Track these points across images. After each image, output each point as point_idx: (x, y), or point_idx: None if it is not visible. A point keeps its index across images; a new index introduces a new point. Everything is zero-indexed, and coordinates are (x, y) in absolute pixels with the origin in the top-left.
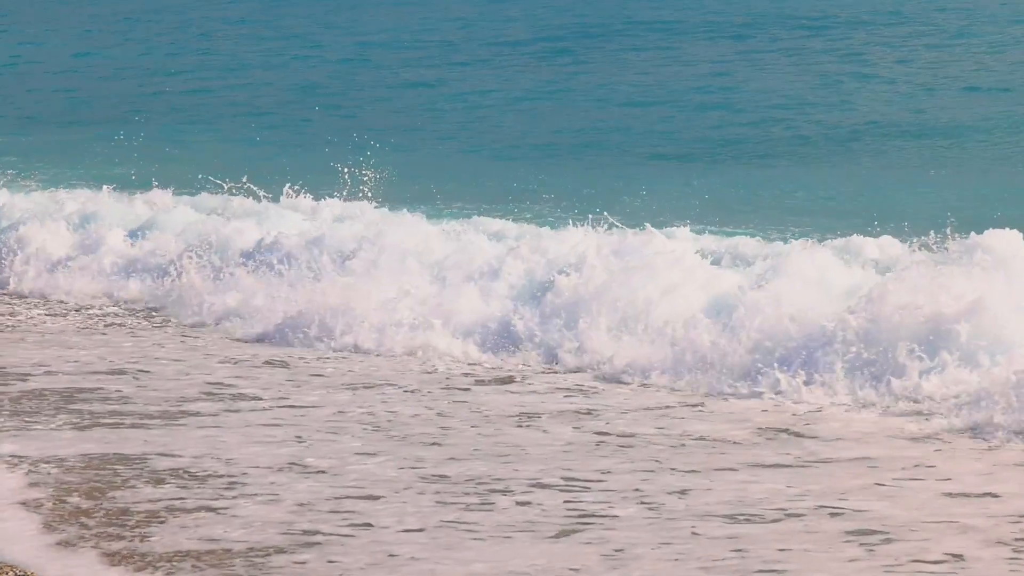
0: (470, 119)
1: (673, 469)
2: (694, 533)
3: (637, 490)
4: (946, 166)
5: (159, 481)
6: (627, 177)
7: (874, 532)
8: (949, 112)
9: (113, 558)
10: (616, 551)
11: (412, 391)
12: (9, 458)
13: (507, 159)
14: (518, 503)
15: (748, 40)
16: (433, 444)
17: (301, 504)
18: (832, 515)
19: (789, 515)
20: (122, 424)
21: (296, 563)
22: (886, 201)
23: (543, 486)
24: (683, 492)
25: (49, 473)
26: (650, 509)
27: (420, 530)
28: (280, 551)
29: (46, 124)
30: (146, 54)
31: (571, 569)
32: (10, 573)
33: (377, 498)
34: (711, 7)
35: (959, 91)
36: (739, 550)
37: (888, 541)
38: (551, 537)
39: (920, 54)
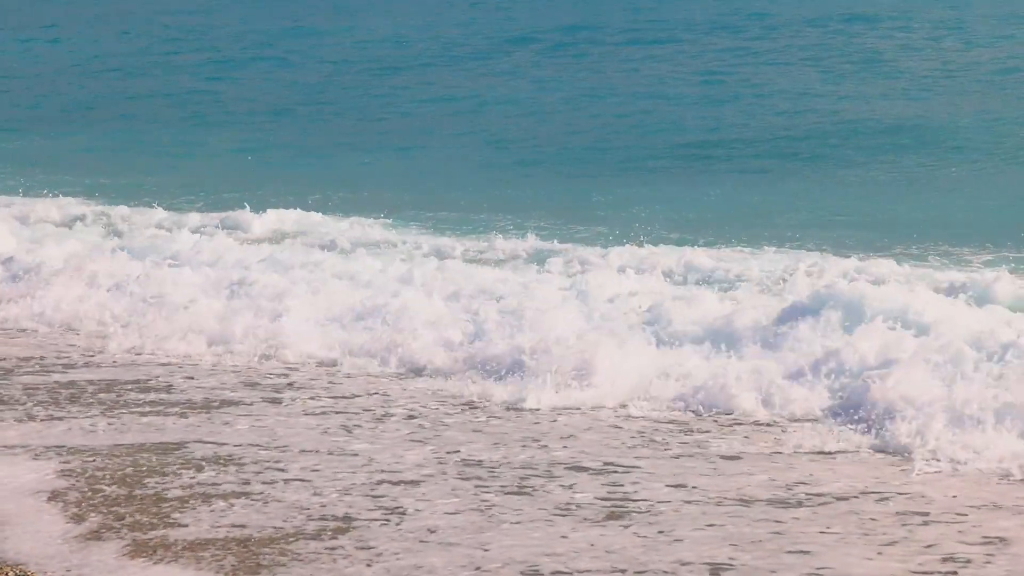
0: (457, 123)
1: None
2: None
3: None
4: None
5: (197, 468)
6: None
7: None
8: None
9: (136, 549)
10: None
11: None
12: (42, 448)
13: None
14: (560, 488)
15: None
16: (473, 431)
17: (337, 490)
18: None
19: None
20: (163, 413)
21: (327, 549)
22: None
23: (582, 468)
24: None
25: (82, 462)
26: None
27: (455, 513)
28: (313, 537)
29: None
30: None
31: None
32: (10, 573)
33: (415, 483)
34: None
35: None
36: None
37: None
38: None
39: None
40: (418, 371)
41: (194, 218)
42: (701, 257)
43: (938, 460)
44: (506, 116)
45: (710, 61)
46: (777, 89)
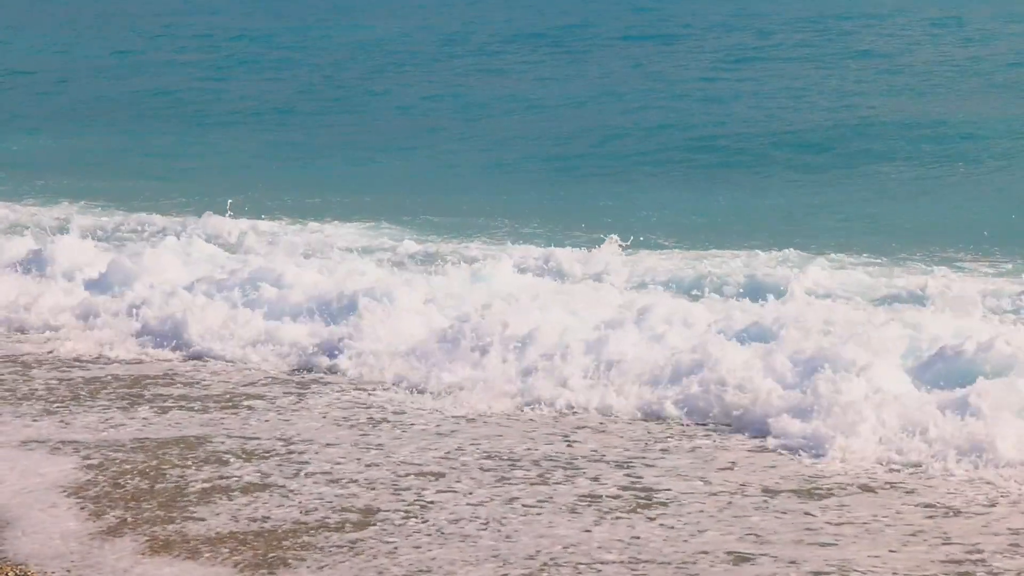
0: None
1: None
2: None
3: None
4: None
5: (221, 462)
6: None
7: None
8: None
9: (154, 544)
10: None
11: None
12: (67, 443)
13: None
14: (587, 480)
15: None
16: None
17: (361, 483)
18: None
19: None
20: (189, 408)
21: (349, 542)
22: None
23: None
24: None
25: (104, 457)
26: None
27: (481, 504)
28: (335, 529)
29: None
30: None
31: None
32: (11, 573)
33: (439, 475)
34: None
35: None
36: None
37: None
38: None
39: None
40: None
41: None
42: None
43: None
44: (509, 116)
45: (713, 60)
46: (783, 87)
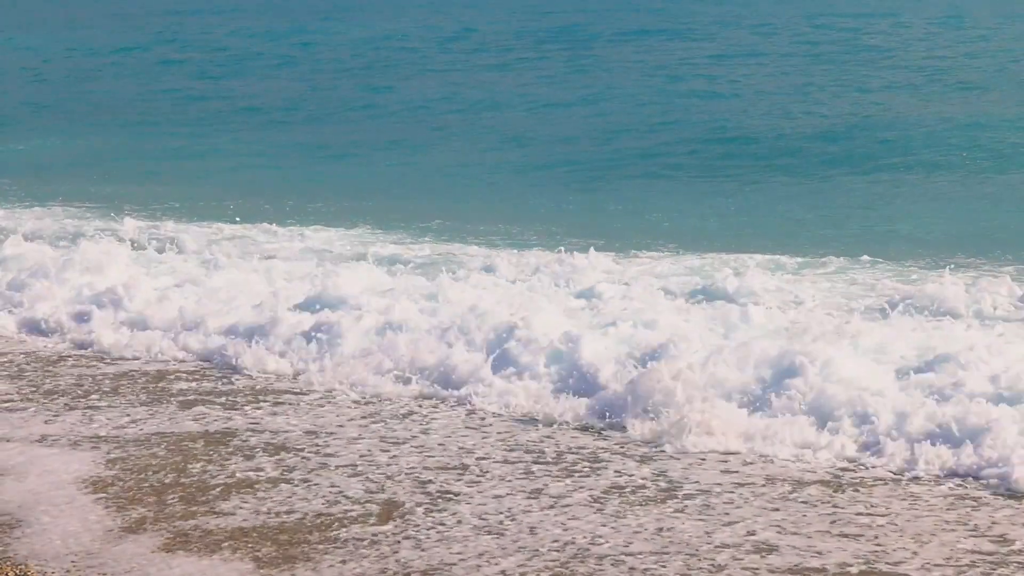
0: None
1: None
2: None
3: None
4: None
5: (246, 456)
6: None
7: None
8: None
9: (174, 541)
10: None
11: None
12: (94, 438)
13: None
14: (614, 472)
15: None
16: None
17: (387, 475)
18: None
19: None
20: (217, 403)
21: (373, 535)
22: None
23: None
24: None
25: (129, 452)
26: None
27: (506, 495)
28: (356, 521)
29: None
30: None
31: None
32: (11, 573)
33: (465, 468)
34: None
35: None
36: None
37: None
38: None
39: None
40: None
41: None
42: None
43: None
44: (516, 117)
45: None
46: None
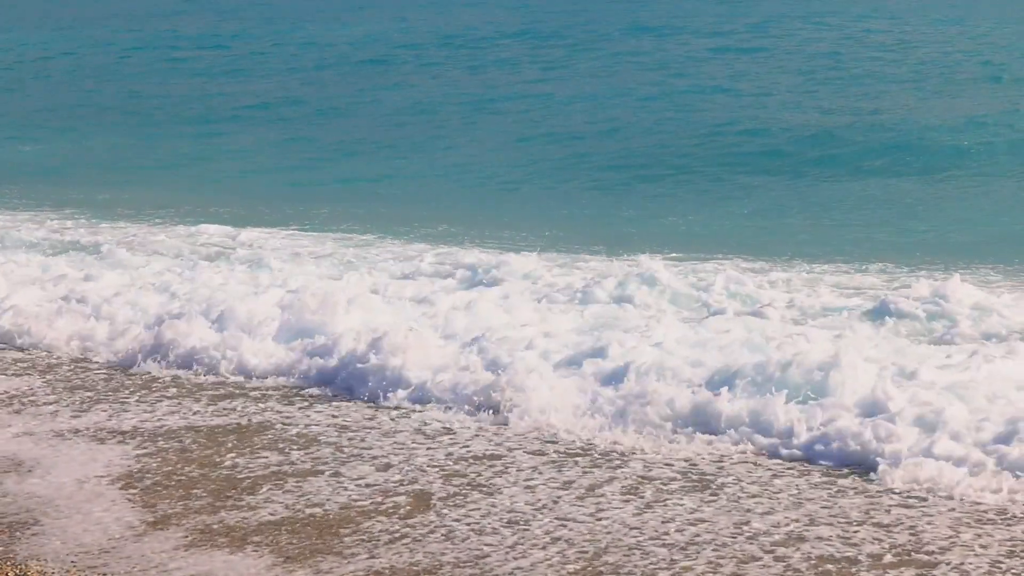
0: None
1: None
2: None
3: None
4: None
5: (276, 450)
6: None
7: None
8: None
9: (198, 536)
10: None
11: None
12: (122, 432)
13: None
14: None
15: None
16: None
17: (417, 467)
18: None
19: None
20: (248, 396)
21: (403, 527)
22: None
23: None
24: None
25: (159, 446)
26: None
27: (539, 486)
28: (386, 513)
29: None
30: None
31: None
32: (11, 573)
33: (496, 458)
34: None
35: None
36: None
37: None
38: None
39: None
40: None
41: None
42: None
43: None
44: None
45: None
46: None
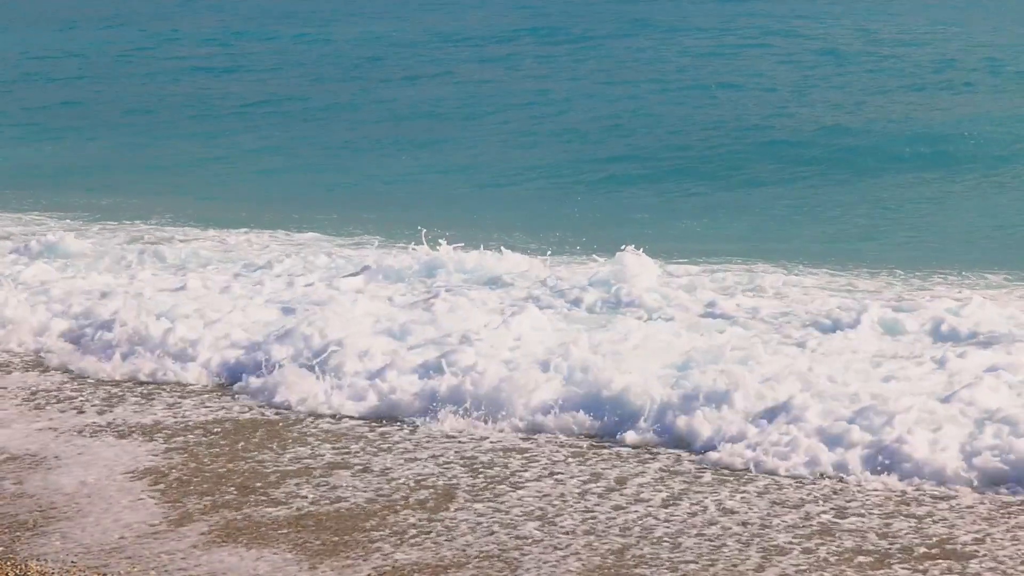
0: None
1: None
2: None
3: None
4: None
5: (302, 443)
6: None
7: None
8: None
9: (219, 533)
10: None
11: None
12: (150, 425)
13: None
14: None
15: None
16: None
17: (440, 460)
18: None
19: None
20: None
21: (430, 520)
22: None
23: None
24: None
25: (187, 440)
26: None
27: (568, 479)
28: (412, 507)
29: None
30: None
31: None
32: (11, 573)
33: (524, 451)
34: None
35: None
36: None
37: None
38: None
39: None
40: None
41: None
42: None
43: None
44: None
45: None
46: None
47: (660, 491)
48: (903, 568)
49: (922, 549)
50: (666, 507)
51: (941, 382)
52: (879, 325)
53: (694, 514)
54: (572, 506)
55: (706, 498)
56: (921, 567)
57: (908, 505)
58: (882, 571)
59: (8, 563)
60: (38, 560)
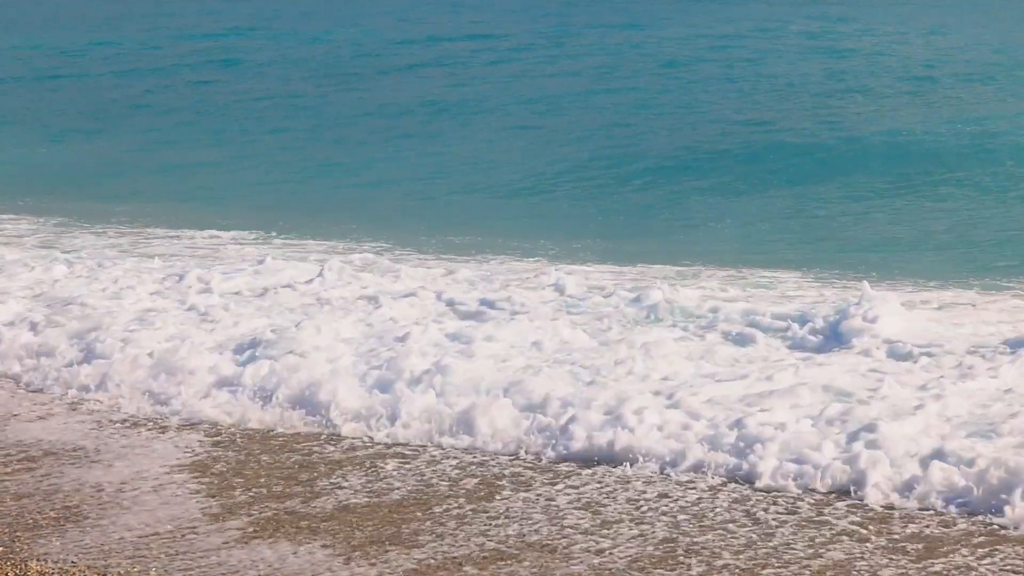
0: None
1: None
2: None
3: None
4: None
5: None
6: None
7: None
8: None
9: (258, 526)
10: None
11: None
12: (192, 419)
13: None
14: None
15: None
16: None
17: (471, 455)
18: None
19: None
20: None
21: (473, 512)
22: None
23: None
24: None
25: (235, 434)
26: None
27: (612, 471)
28: (454, 498)
29: None
30: None
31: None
32: (10, 573)
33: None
34: None
35: None
36: None
37: None
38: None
39: None
40: None
41: None
42: None
43: None
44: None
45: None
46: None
47: None
48: None
49: None
50: None
51: None
52: None
53: None
54: None
55: None
56: None
57: None
58: None
59: (8, 562)
60: (38, 560)
